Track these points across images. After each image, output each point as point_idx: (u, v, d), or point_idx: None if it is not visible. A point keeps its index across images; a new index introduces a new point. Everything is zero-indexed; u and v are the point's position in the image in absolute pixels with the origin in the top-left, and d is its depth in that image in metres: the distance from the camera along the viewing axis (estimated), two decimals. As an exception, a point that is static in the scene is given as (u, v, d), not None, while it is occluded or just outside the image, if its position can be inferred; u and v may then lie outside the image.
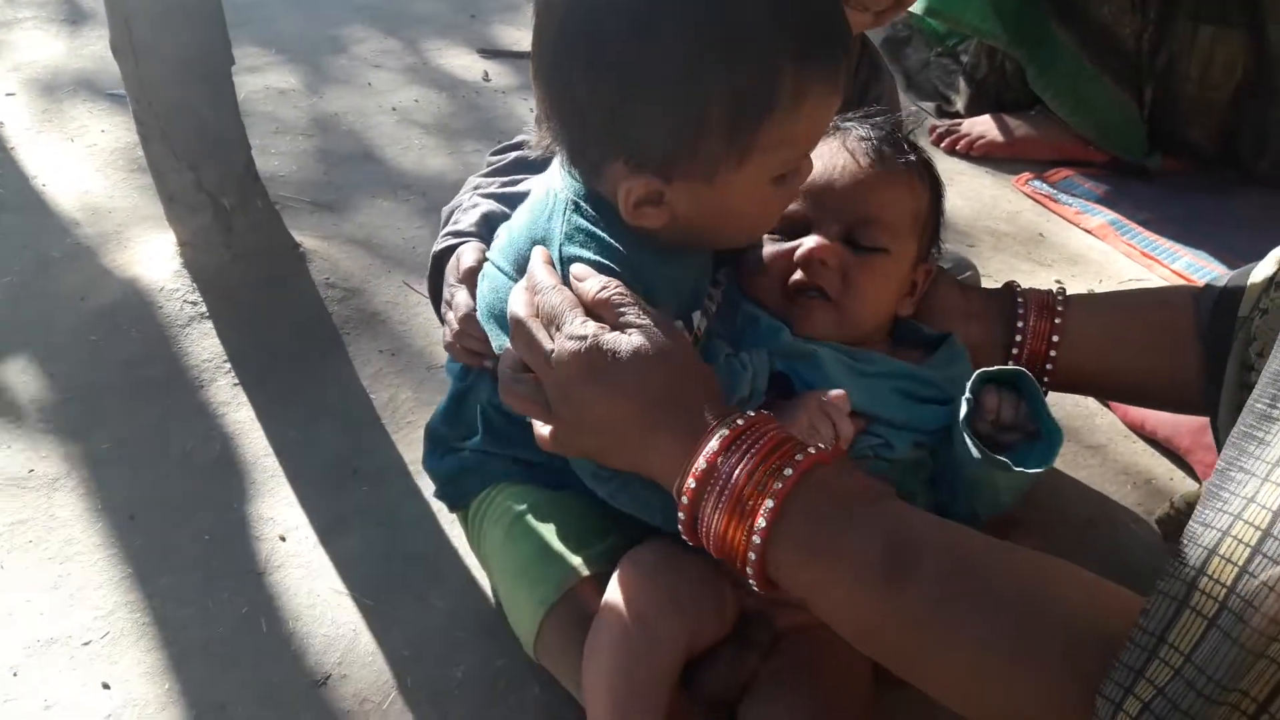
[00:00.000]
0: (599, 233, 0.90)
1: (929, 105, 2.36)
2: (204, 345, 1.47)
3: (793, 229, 1.05)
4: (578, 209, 0.91)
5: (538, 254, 0.90)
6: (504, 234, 1.01)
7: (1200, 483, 1.35)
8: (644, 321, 0.84)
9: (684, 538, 0.83)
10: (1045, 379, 1.18)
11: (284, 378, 1.45)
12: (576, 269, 0.87)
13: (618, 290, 0.85)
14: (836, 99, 0.86)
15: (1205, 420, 1.19)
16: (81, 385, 1.42)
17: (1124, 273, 1.85)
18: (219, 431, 1.37)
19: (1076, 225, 1.97)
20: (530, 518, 1.02)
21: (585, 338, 0.83)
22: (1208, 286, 1.14)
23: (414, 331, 1.55)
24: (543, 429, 0.89)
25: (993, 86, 2.22)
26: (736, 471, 0.78)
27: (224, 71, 1.49)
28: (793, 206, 1.04)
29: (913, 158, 1.10)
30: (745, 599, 0.99)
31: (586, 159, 0.89)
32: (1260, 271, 1.08)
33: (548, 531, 1.01)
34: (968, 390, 1.00)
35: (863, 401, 1.00)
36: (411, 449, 1.36)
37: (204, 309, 1.51)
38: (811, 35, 0.81)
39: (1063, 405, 1.50)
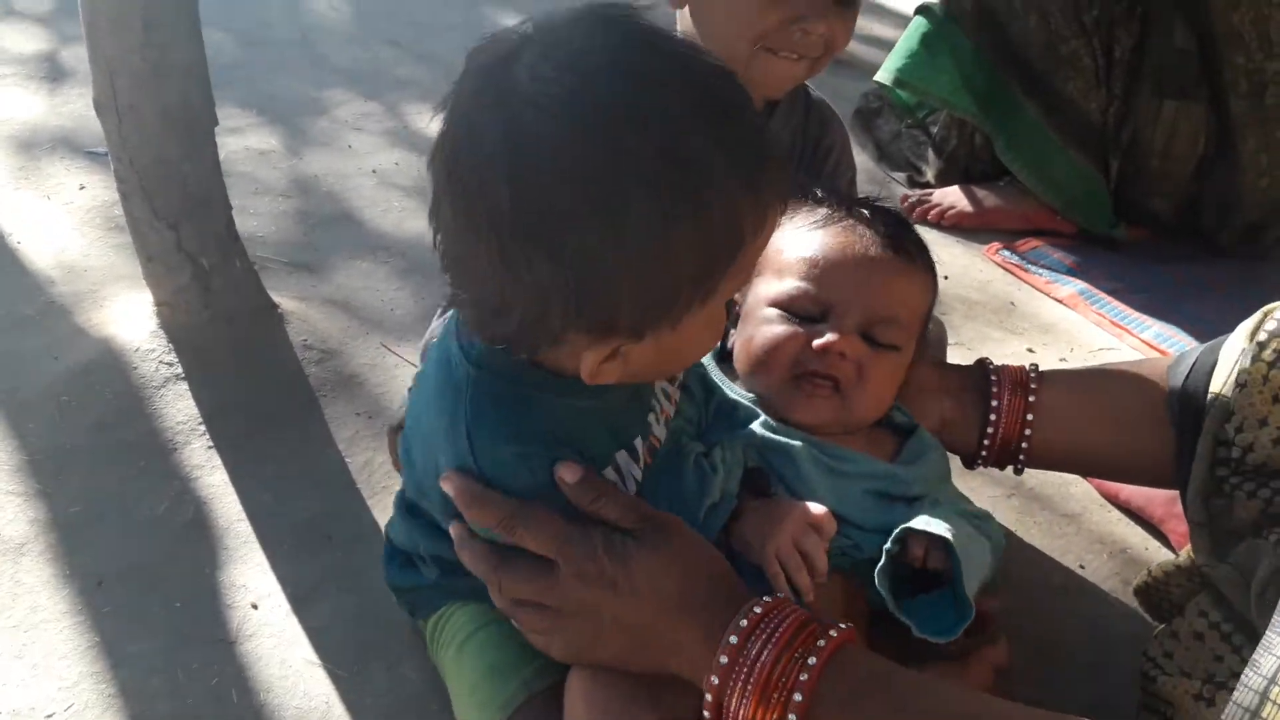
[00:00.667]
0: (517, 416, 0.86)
1: (900, 175, 2.40)
2: (179, 407, 1.45)
3: (807, 312, 1.04)
4: (479, 390, 0.86)
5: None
6: (413, 404, 0.97)
7: (1175, 552, 1.36)
8: (643, 522, 0.85)
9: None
10: (1021, 457, 1.18)
11: (260, 440, 1.43)
12: (564, 471, 0.84)
13: (609, 496, 0.85)
14: (784, 209, 0.82)
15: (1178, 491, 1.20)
16: (51, 446, 1.40)
17: (1094, 342, 1.88)
18: (192, 495, 1.35)
19: (1047, 294, 2.01)
20: (481, 635, 1.03)
21: (594, 555, 0.84)
22: (1178, 361, 1.15)
23: (392, 394, 1.54)
24: (539, 638, 0.89)
25: (962, 158, 2.27)
26: (760, 661, 0.79)
27: (207, 131, 1.49)
28: (808, 288, 1.04)
29: (922, 250, 1.10)
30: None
31: (544, 332, 0.79)
32: (1230, 347, 1.09)
33: (497, 650, 1.01)
34: (890, 540, 0.96)
35: (833, 503, 0.98)
36: (386, 513, 1.32)
37: (179, 370, 1.49)
38: (758, 164, 0.76)
39: (1035, 473, 1.51)
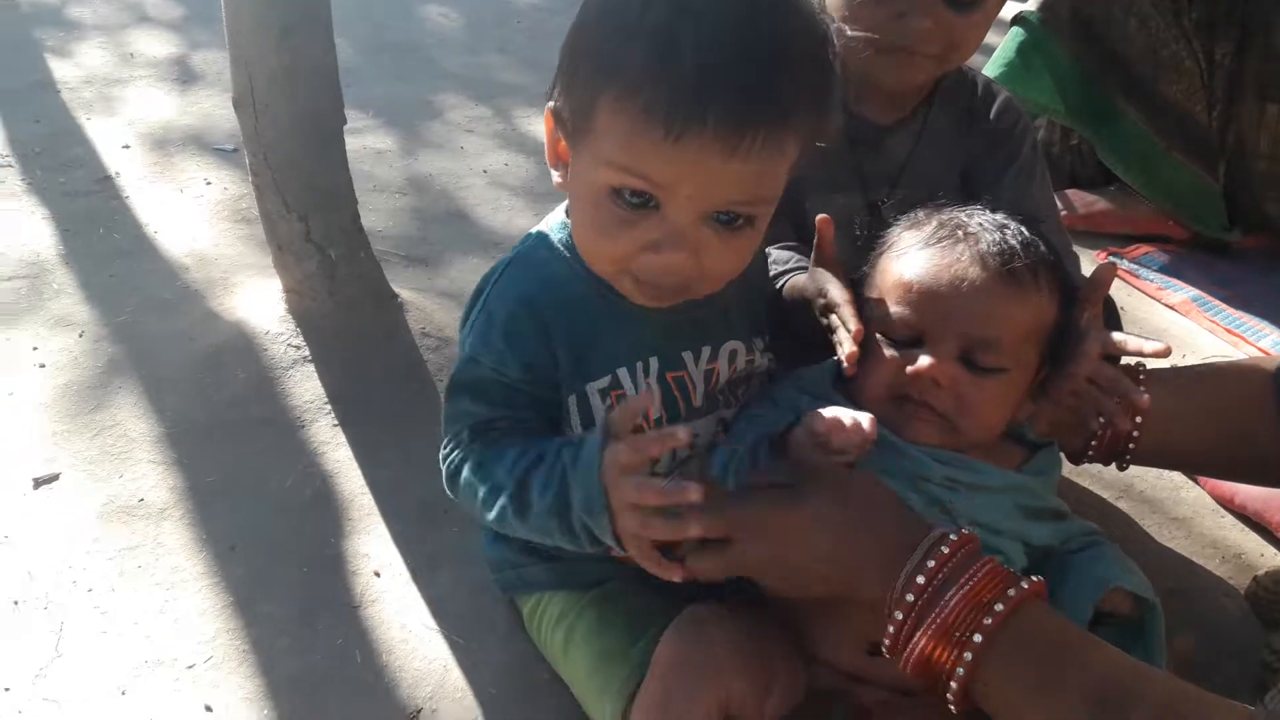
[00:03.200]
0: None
1: None
2: (306, 387, 1.53)
3: (903, 337, 1.03)
4: (523, 252, 1.04)
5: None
6: None
7: (1290, 559, 1.34)
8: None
9: (887, 654, 0.89)
10: (1128, 455, 1.18)
11: (381, 421, 1.50)
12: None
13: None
14: (654, 136, 0.83)
15: (1297, 494, 1.19)
16: (189, 421, 1.48)
17: (1207, 349, 1.84)
18: (318, 469, 1.42)
19: (1158, 301, 1.97)
20: (583, 624, 1.09)
21: (762, 521, 0.92)
22: None
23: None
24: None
25: (1068, 164, 2.24)
26: (948, 604, 0.84)
27: (336, 130, 1.57)
28: (903, 312, 1.03)
29: (1040, 267, 1.05)
30: (819, 676, 1.01)
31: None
32: None
33: (601, 636, 1.07)
34: (1099, 589, 1.00)
35: (990, 517, 1.01)
36: (500, 494, 1.39)
37: (307, 353, 1.57)
38: (663, 73, 0.81)
39: (1145, 477, 1.49)
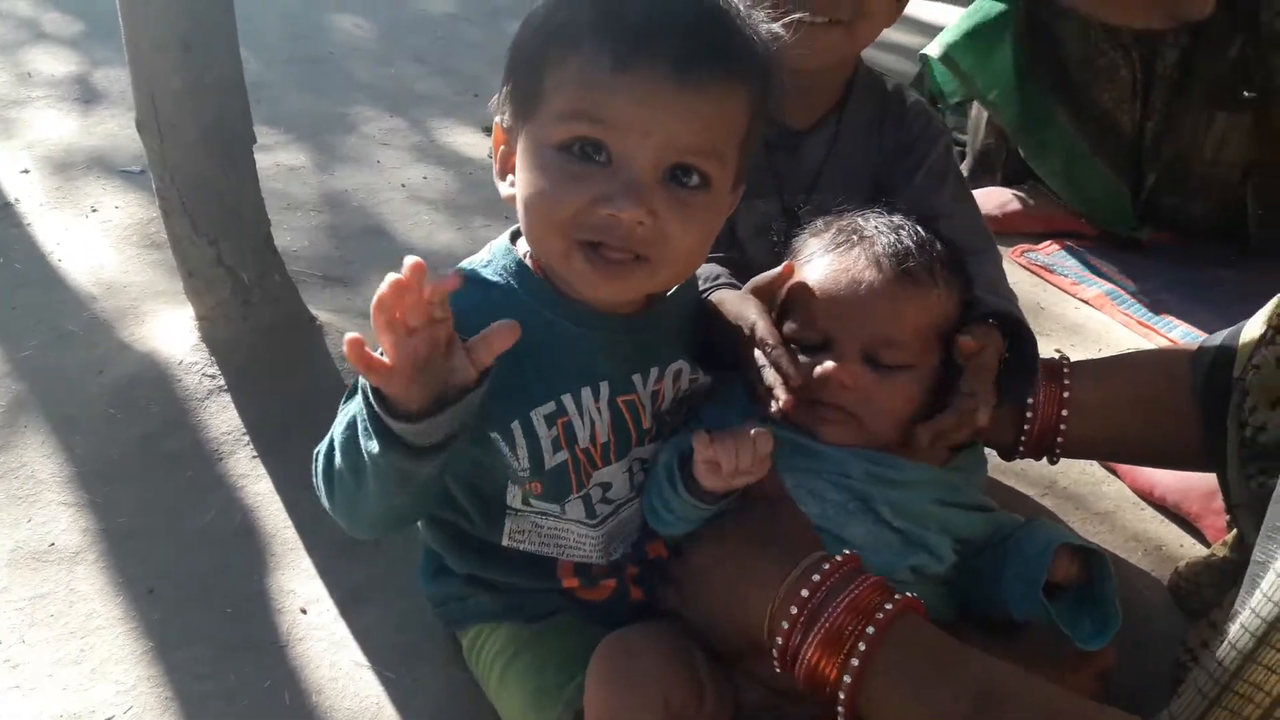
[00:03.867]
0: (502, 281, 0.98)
1: None
2: (223, 418, 1.48)
3: (810, 342, 1.05)
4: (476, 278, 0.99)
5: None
6: None
7: (1209, 547, 1.37)
8: None
9: (776, 667, 0.92)
10: (1057, 447, 1.21)
11: (302, 450, 1.43)
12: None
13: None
14: (599, 69, 0.85)
15: (1214, 485, 1.22)
16: (100, 458, 1.43)
17: (1122, 342, 1.89)
18: (238, 503, 1.37)
19: (1073, 296, 2.02)
20: (521, 660, 1.07)
21: None
22: (1201, 348, 1.19)
23: (429, 403, 1.57)
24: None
25: (997, 161, 2.27)
26: (833, 611, 0.87)
27: (245, 148, 1.52)
28: (807, 319, 1.05)
29: (936, 265, 1.07)
30: (746, 693, 1.01)
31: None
32: (1249, 331, 1.13)
33: (538, 674, 1.05)
34: (1040, 552, 1.02)
35: (915, 510, 1.03)
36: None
37: (222, 382, 1.52)
38: (608, 20, 0.85)
39: (1068, 473, 1.52)
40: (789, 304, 1.08)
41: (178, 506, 1.36)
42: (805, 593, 0.89)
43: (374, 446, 0.84)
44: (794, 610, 0.89)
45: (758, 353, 1.05)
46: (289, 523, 1.35)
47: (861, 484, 1.03)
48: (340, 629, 1.22)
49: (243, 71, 1.48)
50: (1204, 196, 2.08)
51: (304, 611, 1.24)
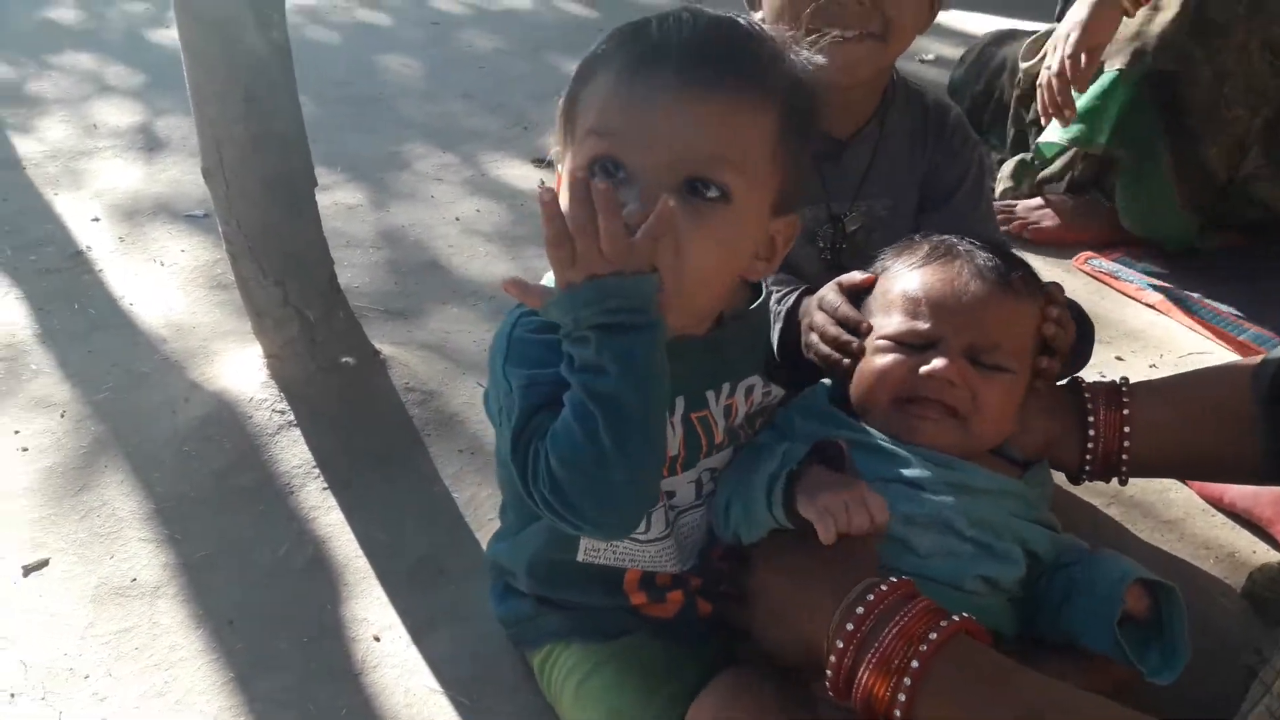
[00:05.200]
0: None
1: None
2: (293, 452, 1.52)
3: (914, 344, 1.09)
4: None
5: None
6: None
7: (1283, 553, 1.35)
8: None
9: (830, 694, 0.92)
10: (1122, 469, 1.20)
11: (370, 481, 1.49)
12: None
13: None
14: (623, 85, 0.89)
15: (1286, 491, 1.20)
16: (177, 495, 1.47)
17: (1183, 346, 1.86)
18: (310, 535, 1.41)
19: (1138, 301, 2.00)
20: (596, 678, 1.07)
21: None
22: (1264, 361, 1.18)
23: (490, 431, 1.59)
24: None
25: (1076, 180, 2.24)
26: (884, 636, 0.88)
27: (307, 192, 1.57)
28: (914, 322, 1.09)
29: (1031, 280, 1.14)
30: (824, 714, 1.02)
31: None
32: None
33: (616, 694, 1.06)
34: (1121, 588, 1.03)
35: (989, 517, 1.04)
36: (495, 546, 1.39)
37: (292, 417, 1.57)
38: (626, 43, 0.90)
39: (1135, 481, 1.49)
40: (889, 306, 1.12)
41: (253, 540, 1.40)
42: (855, 620, 0.90)
43: (610, 349, 0.85)
44: (846, 636, 0.90)
45: (819, 316, 1.13)
46: (360, 553, 1.38)
47: (938, 492, 1.04)
48: (413, 655, 1.25)
49: (303, 120, 1.53)
50: (1267, 205, 2.05)
51: (377, 639, 1.27)
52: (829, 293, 1.19)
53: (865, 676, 0.88)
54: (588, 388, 0.86)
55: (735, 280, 0.99)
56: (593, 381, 0.86)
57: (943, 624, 0.88)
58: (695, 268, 0.89)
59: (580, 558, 1.06)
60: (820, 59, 0.96)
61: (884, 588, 0.91)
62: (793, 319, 1.24)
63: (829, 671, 0.91)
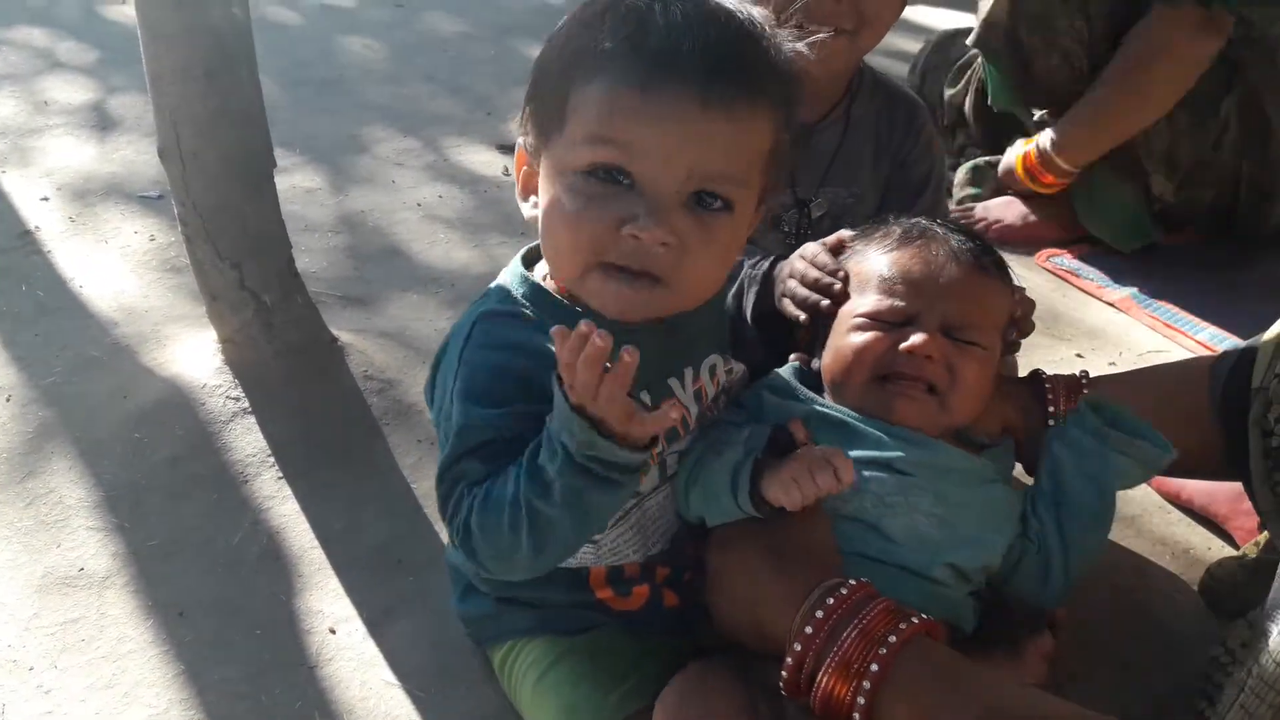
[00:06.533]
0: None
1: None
2: (247, 440, 1.49)
3: (892, 320, 1.09)
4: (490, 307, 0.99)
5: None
6: None
7: (1238, 549, 1.36)
8: None
9: (785, 692, 0.92)
10: None
11: (327, 469, 1.47)
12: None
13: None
14: (629, 94, 0.87)
15: (1241, 487, 1.22)
16: (127, 483, 1.43)
17: (1142, 345, 1.88)
18: (265, 525, 1.38)
19: (1099, 299, 2.02)
20: (554, 673, 1.06)
21: None
22: (1221, 357, 1.20)
23: (451, 421, 1.58)
24: None
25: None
26: (845, 638, 0.88)
27: (266, 172, 1.54)
28: (891, 300, 1.10)
29: (1002, 264, 1.16)
30: (785, 710, 1.01)
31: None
32: (1268, 338, 1.13)
33: (573, 688, 1.05)
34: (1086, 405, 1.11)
35: (952, 500, 1.05)
36: (455, 538, 1.37)
37: (246, 404, 1.53)
38: (632, 41, 0.86)
39: (1095, 477, 1.51)
40: (865, 285, 1.13)
41: (205, 529, 1.37)
42: (815, 624, 0.90)
43: (607, 482, 0.86)
44: (805, 639, 0.90)
45: (799, 263, 1.16)
46: (315, 543, 1.36)
47: (908, 470, 1.05)
48: (369, 648, 1.22)
49: (263, 98, 1.50)
50: (1206, 181, 2.06)
51: (333, 631, 1.24)
52: (808, 246, 1.20)
53: (825, 679, 0.88)
54: (528, 499, 0.88)
55: (726, 275, 1.00)
56: (536, 497, 0.88)
57: (902, 626, 0.88)
58: (699, 275, 0.93)
59: None
60: (803, 48, 0.95)
61: (844, 591, 0.91)
62: (769, 281, 1.24)
63: (784, 673, 0.91)
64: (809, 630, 0.90)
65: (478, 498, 0.92)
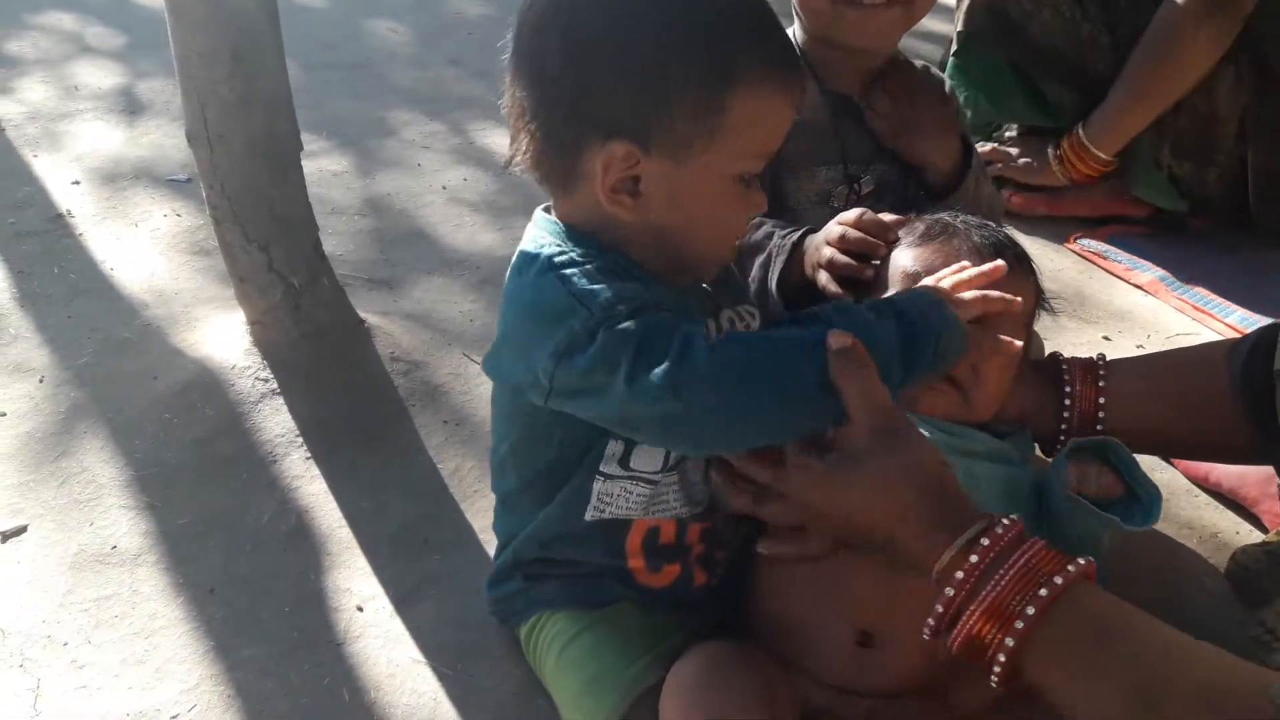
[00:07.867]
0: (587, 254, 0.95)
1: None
2: (276, 420, 1.51)
3: None
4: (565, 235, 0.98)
5: None
6: None
7: (1266, 534, 1.35)
8: (877, 418, 0.91)
9: (929, 627, 0.87)
10: None
11: (354, 450, 1.48)
12: (833, 337, 0.90)
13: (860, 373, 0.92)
14: (790, 109, 0.95)
15: (1271, 471, 1.21)
16: (157, 462, 1.45)
17: (1170, 328, 1.87)
18: (293, 504, 1.40)
19: (1127, 281, 2.00)
20: (577, 645, 1.07)
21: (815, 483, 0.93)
22: (1241, 339, 1.19)
23: (476, 402, 1.59)
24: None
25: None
26: (1000, 578, 0.83)
27: (294, 156, 1.55)
28: None
29: (1025, 257, 1.16)
30: (809, 697, 1.01)
31: (562, 143, 0.93)
32: None
33: (596, 659, 1.05)
34: (1064, 457, 1.07)
35: (978, 483, 1.05)
36: (480, 517, 1.38)
37: (275, 385, 1.55)
38: (771, 39, 0.93)
39: (1121, 460, 1.50)
40: (888, 282, 1.13)
41: (235, 508, 1.39)
42: (975, 558, 0.84)
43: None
44: (960, 575, 0.84)
45: (836, 228, 1.17)
46: (343, 522, 1.37)
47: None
48: (396, 626, 1.24)
49: (289, 82, 1.51)
50: (1211, 161, 2.03)
51: (360, 609, 1.26)
52: (845, 213, 1.19)
53: (973, 620, 0.83)
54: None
55: None
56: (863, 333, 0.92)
57: (1062, 574, 0.83)
58: None
59: (588, 516, 1.04)
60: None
61: (999, 530, 0.85)
62: (798, 251, 1.24)
63: (930, 620, 0.86)
64: (959, 576, 0.84)
65: (718, 351, 0.88)
